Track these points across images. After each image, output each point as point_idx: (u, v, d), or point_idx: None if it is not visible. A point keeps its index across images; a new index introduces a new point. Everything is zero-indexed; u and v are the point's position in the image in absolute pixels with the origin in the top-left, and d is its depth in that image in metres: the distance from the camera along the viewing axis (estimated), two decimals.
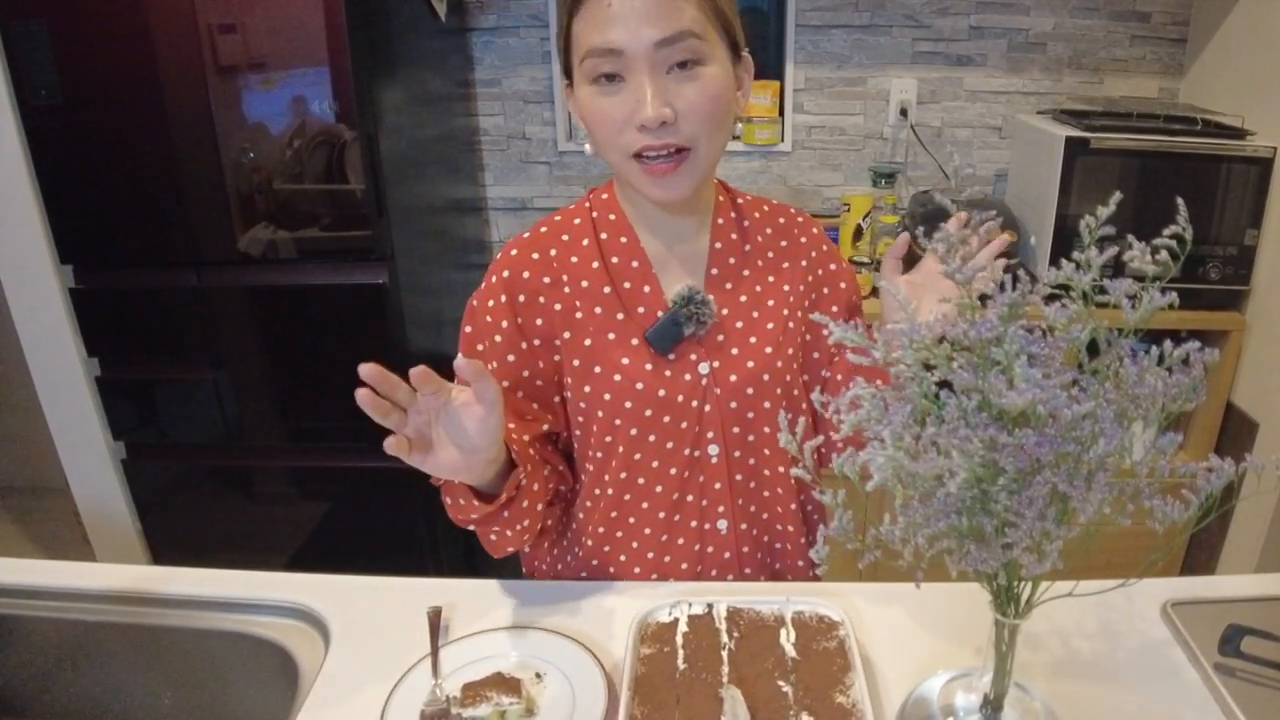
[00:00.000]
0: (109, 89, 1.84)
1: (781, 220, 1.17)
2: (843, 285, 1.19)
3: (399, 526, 2.15)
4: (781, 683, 0.89)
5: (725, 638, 0.95)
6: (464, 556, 2.34)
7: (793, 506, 1.15)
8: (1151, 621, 1.02)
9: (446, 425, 0.88)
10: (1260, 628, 0.94)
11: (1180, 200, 0.67)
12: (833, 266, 1.18)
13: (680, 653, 0.94)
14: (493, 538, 1.04)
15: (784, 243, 1.16)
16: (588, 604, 1.08)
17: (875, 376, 0.71)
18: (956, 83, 2.48)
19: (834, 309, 1.17)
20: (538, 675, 0.94)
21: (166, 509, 2.26)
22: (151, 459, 2.21)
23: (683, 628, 0.97)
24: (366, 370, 0.84)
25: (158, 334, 2.08)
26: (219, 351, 2.05)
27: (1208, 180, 2.00)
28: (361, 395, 0.84)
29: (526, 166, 2.65)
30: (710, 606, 1.00)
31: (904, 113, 2.49)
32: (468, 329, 1.11)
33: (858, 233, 2.39)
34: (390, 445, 0.84)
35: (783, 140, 2.56)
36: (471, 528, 1.03)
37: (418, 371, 0.83)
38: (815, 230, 1.19)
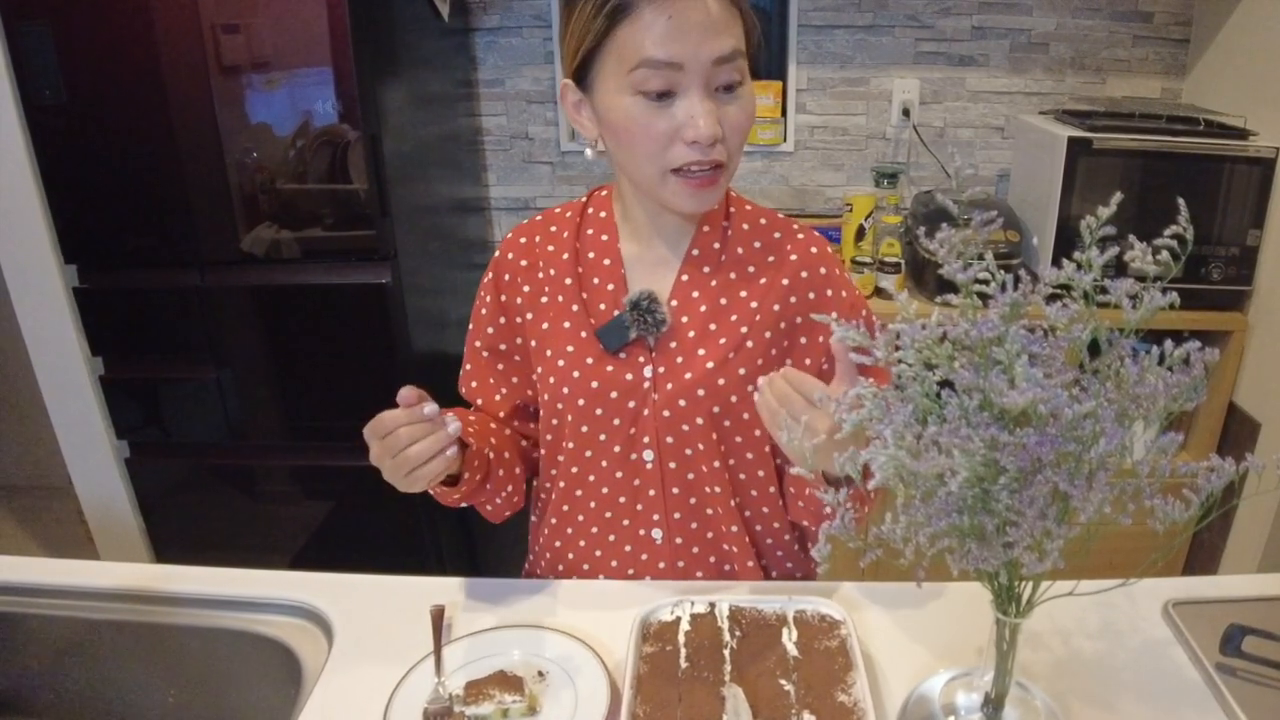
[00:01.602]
0: (113, 89, 1.84)
1: (776, 235, 1.12)
2: (833, 315, 1.10)
3: (402, 525, 2.15)
4: (783, 681, 0.90)
5: (727, 636, 0.96)
6: (466, 555, 2.34)
7: (733, 528, 1.12)
8: (1153, 621, 1.02)
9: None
10: (1261, 627, 0.94)
11: (1181, 200, 0.67)
12: (829, 293, 1.10)
13: (682, 651, 0.94)
14: (488, 508, 1.15)
15: (771, 259, 1.11)
16: (590, 602, 1.08)
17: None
18: (959, 83, 2.48)
19: (802, 340, 1.10)
20: (540, 673, 0.95)
21: (170, 508, 2.26)
22: (155, 458, 2.22)
23: (685, 626, 0.97)
24: (405, 393, 0.93)
25: (161, 333, 2.08)
26: (222, 351, 2.05)
27: (1210, 180, 2.00)
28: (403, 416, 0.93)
29: (529, 166, 2.66)
30: (712, 605, 1.00)
31: (906, 113, 2.49)
32: (476, 302, 1.20)
33: (860, 233, 2.39)
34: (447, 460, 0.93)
35: (785, 140, 2.56)
36: (464, 505, 1.11)
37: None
38: (814, 250, 1.12)
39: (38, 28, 1.81)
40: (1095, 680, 0.93)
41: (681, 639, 0.96)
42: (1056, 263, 0.67)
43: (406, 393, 0.92)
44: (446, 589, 1.10)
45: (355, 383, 2.04)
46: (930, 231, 0.69)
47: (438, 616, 1.01)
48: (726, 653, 0.94)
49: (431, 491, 1.04)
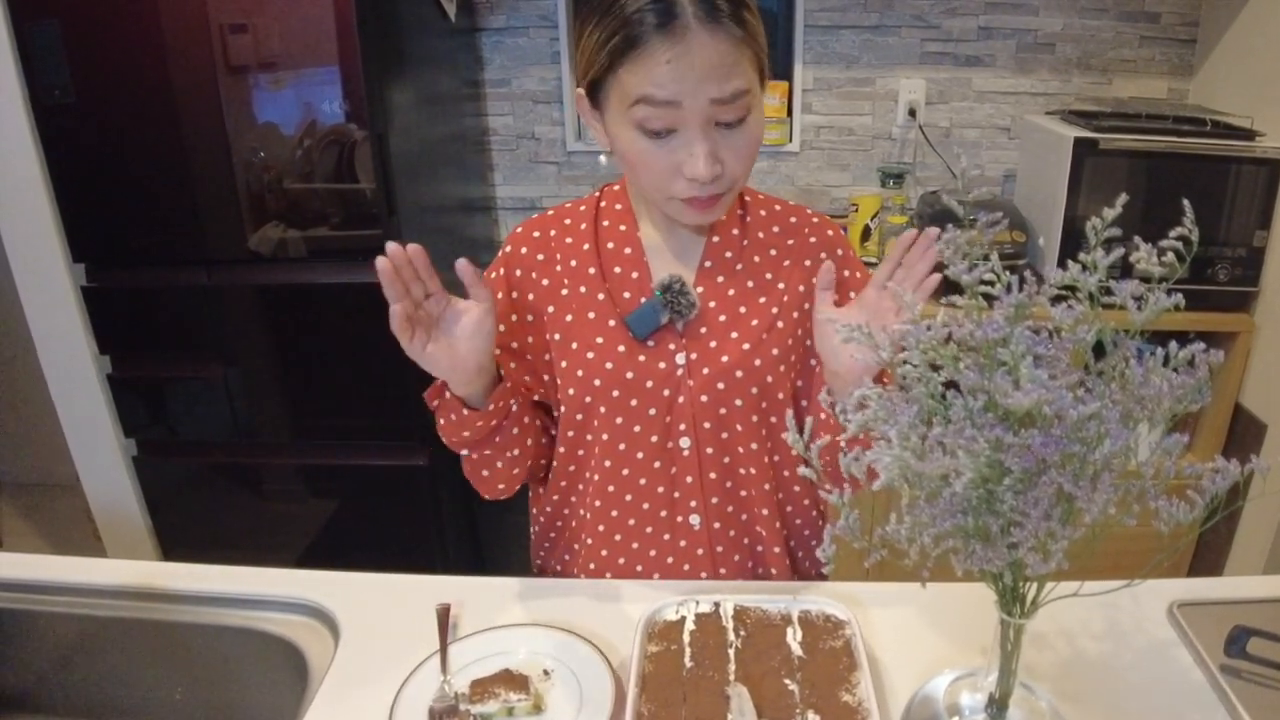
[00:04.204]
0: (121, 88, 1.85)
1: (793, 219, 1.15)
2: (851, 295, 1.12)
3: (408, 524, 2.16)
4: (788, 681, 0.90)
5: (732, 636, 0.96)
6: (472, 554, 2.35)
7: (765, 511, 1.13)
8: (1157, 622, 1.02)
9: (446, 326, 0.97)
10: (1266, 629, 0.94)
11: (1186, 201, 0.67)
12: (846, 273, 1.14)
13: (687, 651, 0.94)
14: (485, 473, 1.10)
15: (791, 241, 1.14)
16: (595, 601, 1.08)
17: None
18: (965, 83, 2.48)
19: None
20: (545, 672, 0.95)
21: (177, 506, 2.27)
22: (162, 456, 2.23)
23: (690, 626, 0.97)
24: (393, 248, 0.91)
25: (169, 332, 2.09)
26: (229, 350, 2.06)
27: (1217, 181, 1.99)
28: (382, 264, 0.90)
29: (535, 166, 2.66)
30: (717, 605, 1.00)
31: (912, 113, 2.49)
32: None
33: (865, 233, 2.39)
34: (397, 317, 0.92)
35: (791, 140, 2.57)
36: (465, 452, 1.08)
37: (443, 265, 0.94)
38: (830, 233, 1.16)
39: (47, 27, 1.82)
40: (1099, 681, 0.93)
41: (686, 638, 0.96)
42: (1062, 263, 0.67)
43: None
44: (452, 587, 1.10)
45: (362, 382, 2.04)
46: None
47: (443, 615, 1.02)
48: (731, 652, 0.94)
49: (441, 421, 1.05)
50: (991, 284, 0.68)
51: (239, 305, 2.02)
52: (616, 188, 1.16)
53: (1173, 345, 0.66)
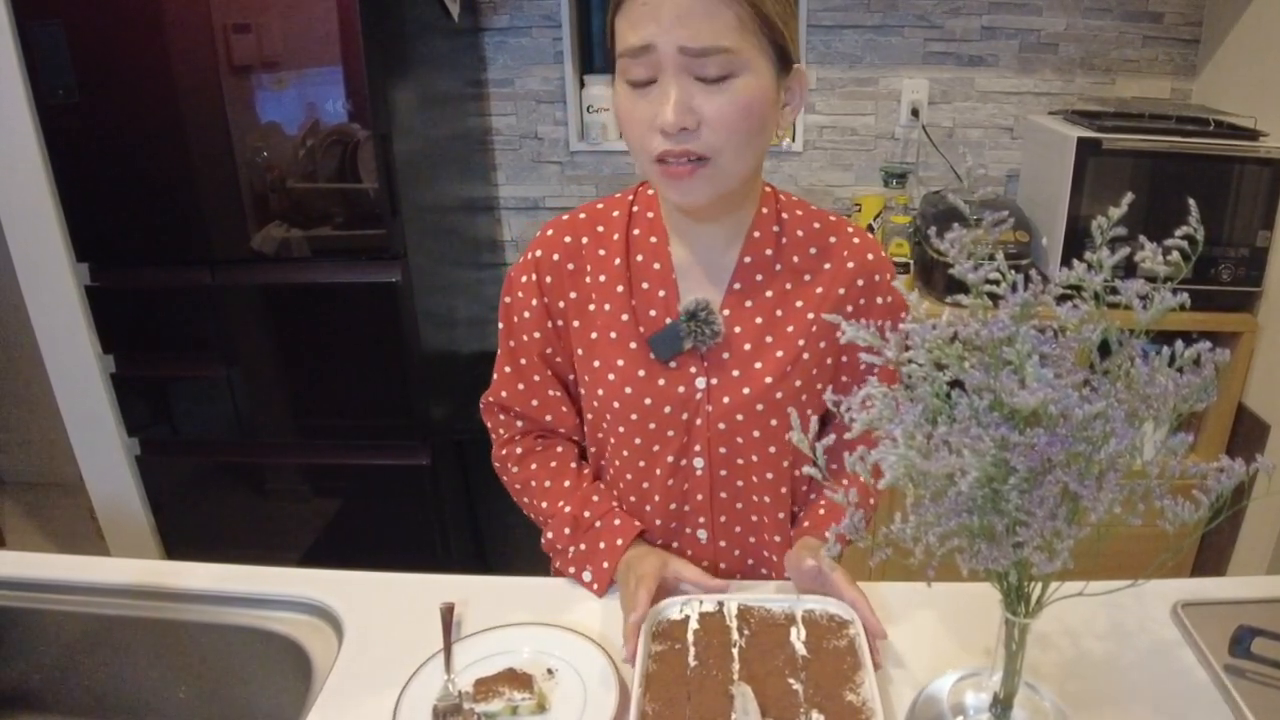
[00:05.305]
0: (125, 88, 1.85)
1: (832, 239, 1.09)
2: (882, 324, 1.09)
3: (411, 523, 2.16)
4: (792, 680, 0.90)
5: (736, 635, 0.96)
6: (474, 553, 2.35)
7: (777, 538, 1.13)
8: (1161, 622, 1.02)
9: None
10: (1271, 629, 0.94)
11: (1192, 201, 0.67)
12: (879, 300, 1.09)
13: (691, 650, 0.94)
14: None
15: (827, 265, 1.08)
16: (599, 600, 1.08)
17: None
18: (968, 83, 2.48)
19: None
20: (549, 671, 0.95)
21: (180, 505, 2.28)
22: (165, 455, 2.23)
23: (694, 625, 0.97)
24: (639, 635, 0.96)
25: (172, 331, 2.09)
26: (233, 349, 2.06)
27: (1220, 181, 1.99)
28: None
29: (538, 166, 2.66)
30: (721, 604, 1.00)
31: (915, 113, 2.49)
32: (506, 299, 1.15)
33: (868, 233, 2.39)
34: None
35: (794, 140, 2.57)
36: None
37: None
38: (871, 256, 1.09)
39: (50, 27, 1.82)
40: (1103, 681, 0.93)
41: (690, 637, 0.96)
42: (1065, 263, 0.67)
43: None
44: (456, 586, 1.10)
45: (365, 381, 2.05)
46: (940, 232, 0.69)
47: (447, 614, 1.02)
48: (735, 651, 0.94)
49: (557, 562, 1.16)
50: (997, 283, 0.68)
51: (242, 305, 2.02)
52: (650, 193, 1.12)
53: (1178, 344, 0.66)
